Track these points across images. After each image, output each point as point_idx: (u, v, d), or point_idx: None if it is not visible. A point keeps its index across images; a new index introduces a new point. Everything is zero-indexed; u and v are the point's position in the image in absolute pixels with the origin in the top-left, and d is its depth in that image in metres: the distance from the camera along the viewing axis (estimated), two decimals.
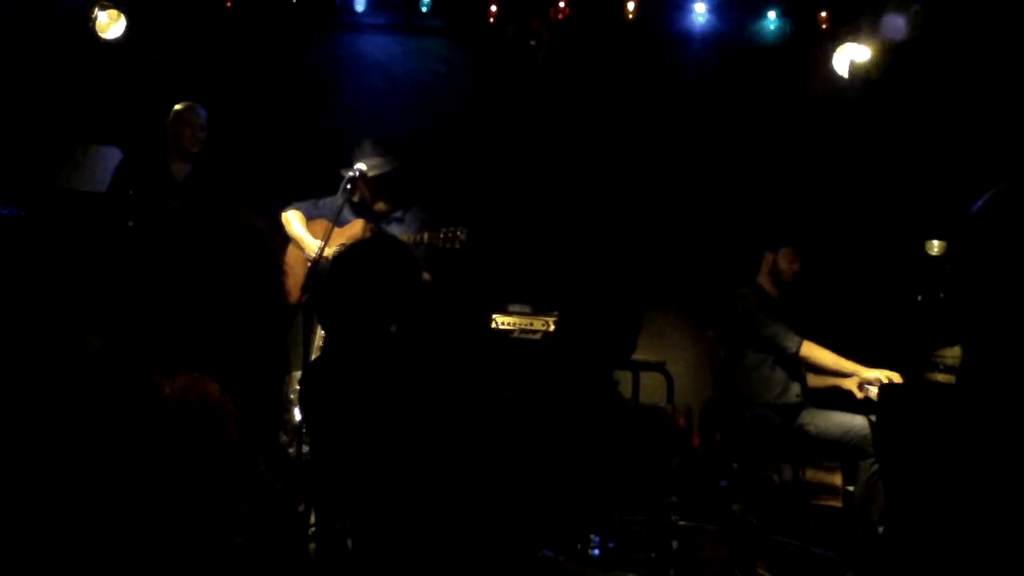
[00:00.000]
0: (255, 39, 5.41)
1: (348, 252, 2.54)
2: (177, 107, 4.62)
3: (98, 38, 5.05)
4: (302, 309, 3.89)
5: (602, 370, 2.60)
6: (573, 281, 4.82)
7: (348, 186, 4.17)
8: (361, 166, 4.28)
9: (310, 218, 4.54)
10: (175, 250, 1.57)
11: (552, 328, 4.40)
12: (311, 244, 4.40)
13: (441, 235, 4.28)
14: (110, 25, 5.03)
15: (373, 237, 3.25)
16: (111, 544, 1.43)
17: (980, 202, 1.42)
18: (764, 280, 4.36)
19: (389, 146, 4.48)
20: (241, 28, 5.38)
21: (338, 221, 4.13)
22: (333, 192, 4.33)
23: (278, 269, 1.69)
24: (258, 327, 1.62)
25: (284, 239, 4.50)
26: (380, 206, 4.52)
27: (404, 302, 2.48)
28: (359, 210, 4.51)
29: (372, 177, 4.35)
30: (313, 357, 4.27)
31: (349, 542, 2.45)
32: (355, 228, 4.44)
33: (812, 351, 4.13)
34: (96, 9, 4.99)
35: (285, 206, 4.58)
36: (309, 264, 4.31)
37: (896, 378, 3.96)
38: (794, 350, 4.13)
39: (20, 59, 4.99)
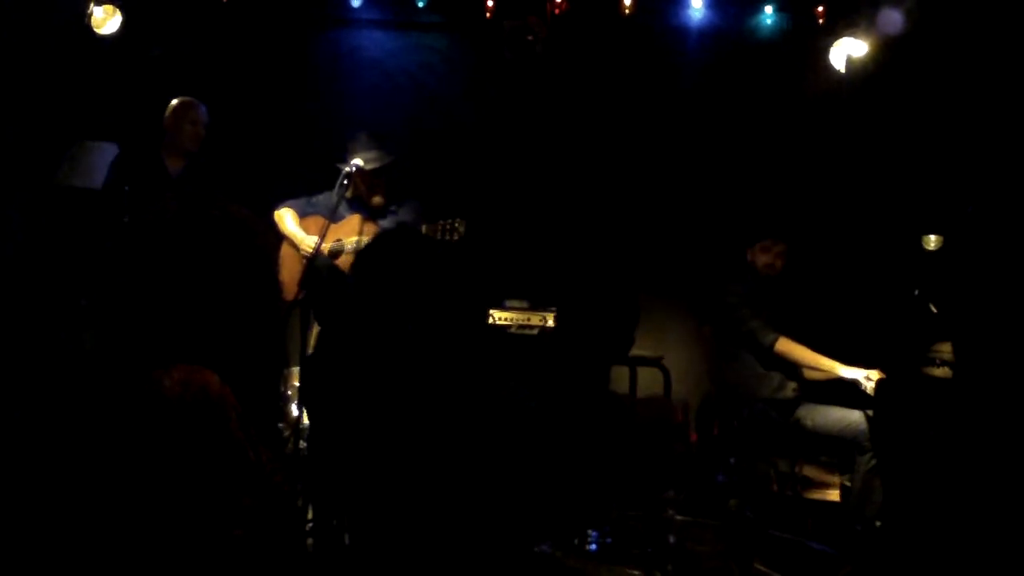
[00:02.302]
0: (251, 34, 5.40)
1: (376, 245, 2.52)
2: (177, 103, 4.59)
3: (94, 34, 5.04)
4: (299, 306, 3.88)
5: (601, 365, 2.60)
6: (571, 277, 4.82)
7: (344, 181, 4.17)
8: (358, 161, 4.28)
9: (303, 215, 4.53)
10: (167, 246, 1.57)
11: (549, 323, 4.40)
12: (305, 240, 4.39)
13: (439, 227, 4.27)
14: (106, 20, 5.01)
15: (400, 230, 3.22)
16: (113, 537, 1.43)
17: (971, 207, 1.43)
18: (751, 275, 4.37)
19: (385, 140, 4.47)
20: (237, 23, 5.37)
21: (333, 217, 4.13)
22: (330, 188, 4.32)
23: (271, 261, 1.69)
24: (253, 319, 1.62)
25: (277, 236, 4.49)
26: (376, 199, 4.51)
27: (431, 297, 2.46)
28: (355, 205, 4.51)
29: (368, 170, 4.34)
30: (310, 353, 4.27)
31: (346, 537, 2.45)
32: (352, 223, 4.43)
33: (787, 347, 4.12)
34: (92, 5, 4.98)
35: (279, 203, 4.57)
36: (304, 261, 4.30)
37: (875, 375, 3.96)
38: (768, 346, 4.12)
39: (15, 54, 4.98)
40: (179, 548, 1.43)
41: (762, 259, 4.30)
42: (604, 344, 2.60)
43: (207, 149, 4.68)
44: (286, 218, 4.51)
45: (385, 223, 4.45)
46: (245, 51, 5.40)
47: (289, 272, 4.31)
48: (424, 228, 4.30)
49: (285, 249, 4.47)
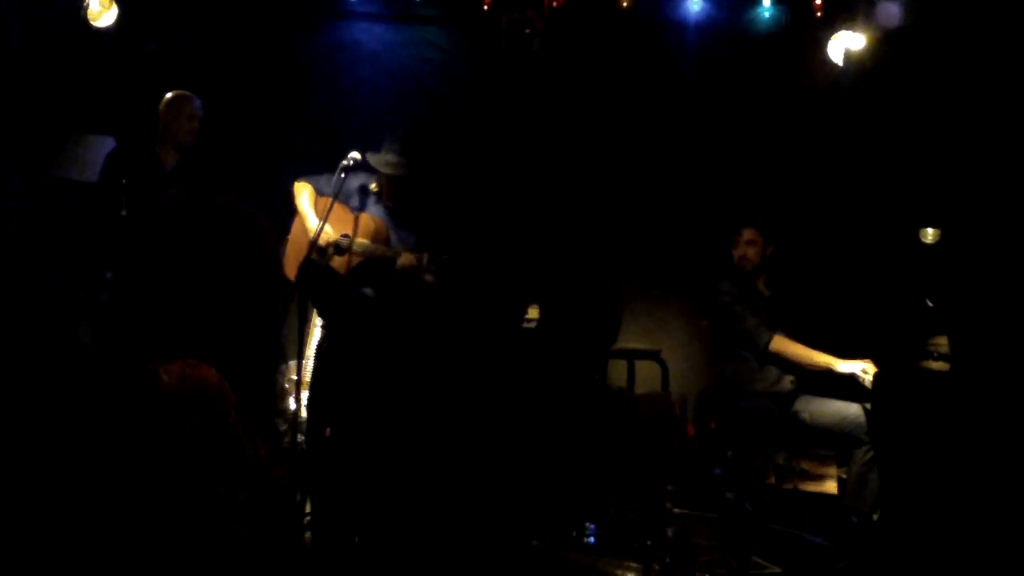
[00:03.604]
0: (248, 28, 5.38)
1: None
2: (172, 97, 4.57)
3: (90, 26, 5.02)
4: (296, 291, 3.85)
5: (588, 357, 2.61)
6: (556, 269, 4.81)
7: (343, 175, 4.15)
8: (356, 154, 4.25)
9: (321, 194, 4.50)
10: (173, 239, 1.57)
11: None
12: (313, 229, 4.36)
13: (421, 257, 4.26)
14: (102, 13, 4.99)
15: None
16: (111, 530, 1.43)
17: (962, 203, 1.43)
18: (735, 272, 4.39)
19: (414, 151, 4.45)
20: (234, 16, 5.35)
21: (351, 205, 4.15)
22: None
23: (272, 258, 1.69)
24: (251, 314, 1.62)
25: (279, 230, 4.47)
26: (389, 201, 4.55)
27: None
28: (375, 200, 4.52)
29: (386, 175, 4.38)
30: (310, 348, 4.28)
31: (344, 532, 2.45)
32: (361, 221, 4.41)
33: (782, 346, 4.16)
34: None
35: (300, 176, 4.54)
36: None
37: (871, 368, 3.98)
38: (762, 346, 4.16)
39: (11, 48, 4.96)
40: (176, 541, 1.43)
41: (735, 253, 4.35)
42: (587, 336, 2.59)
43: (201, 142, 4.67)
44: (303, 195, 4.48)
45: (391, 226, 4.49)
46: (242, 44, 5.38)
47: (297, 248, 4.31)
48: (403, 258, 4.29)
49: (297, 224, 4.46)
